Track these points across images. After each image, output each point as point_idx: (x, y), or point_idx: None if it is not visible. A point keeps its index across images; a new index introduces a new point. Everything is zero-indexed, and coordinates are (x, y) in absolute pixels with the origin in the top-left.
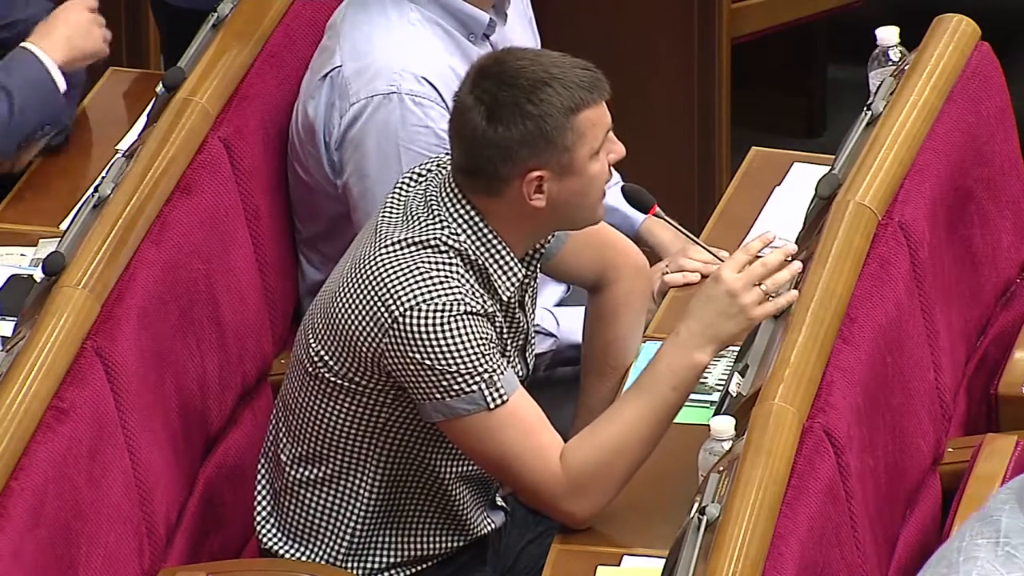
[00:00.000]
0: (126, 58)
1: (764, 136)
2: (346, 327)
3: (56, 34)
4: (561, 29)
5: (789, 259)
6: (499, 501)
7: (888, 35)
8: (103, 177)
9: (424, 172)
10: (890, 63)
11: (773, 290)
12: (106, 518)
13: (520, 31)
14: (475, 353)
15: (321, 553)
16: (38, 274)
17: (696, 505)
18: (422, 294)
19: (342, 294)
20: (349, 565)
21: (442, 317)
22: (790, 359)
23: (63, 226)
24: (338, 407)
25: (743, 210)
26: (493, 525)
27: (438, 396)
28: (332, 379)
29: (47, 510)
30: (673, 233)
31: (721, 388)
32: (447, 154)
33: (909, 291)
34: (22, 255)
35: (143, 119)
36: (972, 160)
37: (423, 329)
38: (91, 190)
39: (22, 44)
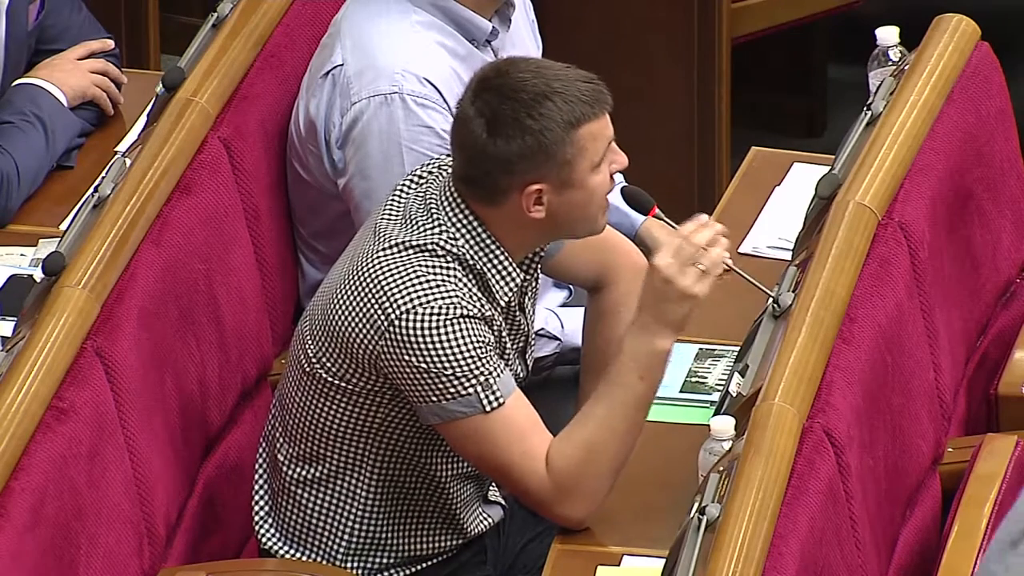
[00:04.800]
0: (126, 58)
1: (764, 136)
2: (343, 328)
3: (50, 69)
4: (561, 30)
5: (710, 228)
6: (492, 496)
7: (888, 35)
8: (103, 177)
9: (425, 174)
10: (890, 63)
11: (709, 266)
12: (106, 518)
13: (522, 36)
14: (471, 356)
15: (320, 553)
16: (38, 274)
17: (696, 505)
18: (418, 297)
19: (339, 295)
20: (348, 565)
21: (437, 320)
22: (790, 359)
23: (63, 226)
24: (335, 407)
25: (743, 210)
26: (491, 521)
27: (434, 399)
28: (329, 379)
29: (47, 510)
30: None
31: (721, 388)
32: (448, 155)
33: (909, 291)
34: (22, 255)
35: (143, 119)
36: (972, 160)
37: (418, 332)
38: (91, 190)
39: (30, 82)
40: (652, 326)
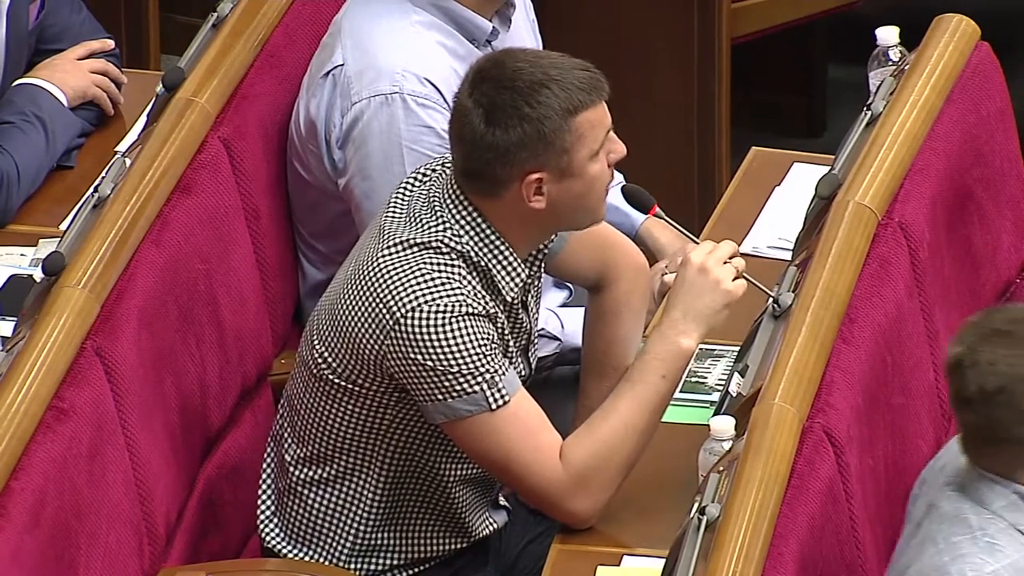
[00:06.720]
0: (126, 58)
1: (764, 136)
2: (349, 329)
3: (51, 69)
4: (561, 30)
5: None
6: (501, 501)
7: (888, 35)
8: (103, 177)
9: (428, 172)
10: (890, 63)
11: (742, 268)
12: (106, 518)
13: (523, 36)
14: (476, 354)
15: (324, 553)
16: (38, 274)
17: (696, 505)
18: (423, 295)
19: (345, 296)
20: (352, 566)
21: (443, 318)
22: (790, 359)
23: (63, 226)
24: (342, 409)
25: (743, 210)
26: (495, 525)
27: (440, 397)
28: (336, 381)
29: (47, 510)
30: (673, 233)
31: (721, 388)
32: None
33: (909, 291)
34: (22, 255)
35: (143, 119)
36: (972, 160)
37: (424, 331)
38: (91, 190)
39: (30, 82)
40: (680, 324)
